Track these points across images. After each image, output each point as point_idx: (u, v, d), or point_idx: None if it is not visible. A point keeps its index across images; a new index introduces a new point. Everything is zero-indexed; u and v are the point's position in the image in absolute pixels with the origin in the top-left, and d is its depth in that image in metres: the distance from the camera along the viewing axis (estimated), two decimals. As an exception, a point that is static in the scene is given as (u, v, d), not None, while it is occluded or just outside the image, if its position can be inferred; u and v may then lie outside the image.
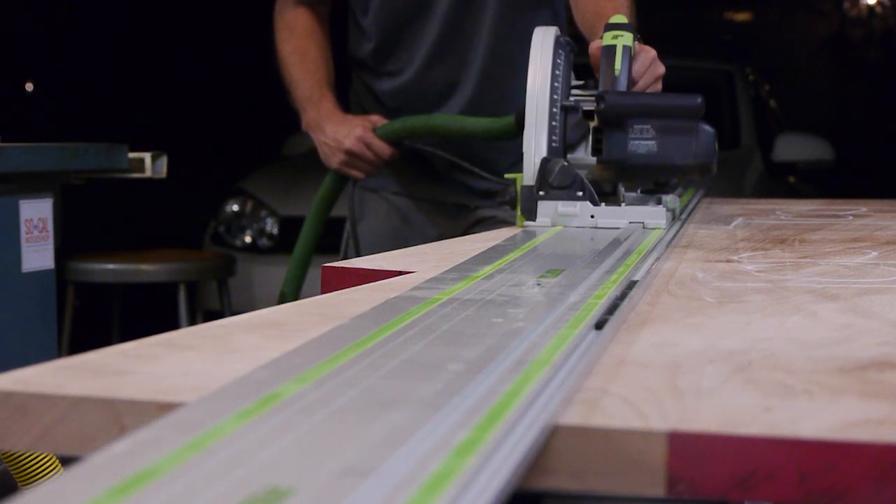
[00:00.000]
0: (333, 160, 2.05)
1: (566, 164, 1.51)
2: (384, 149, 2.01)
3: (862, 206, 2.13)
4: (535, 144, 1.54)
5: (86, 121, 6.03)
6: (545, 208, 1.50)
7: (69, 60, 6.29)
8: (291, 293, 2.14)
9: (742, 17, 10.47)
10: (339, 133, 2.03)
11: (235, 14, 6.47)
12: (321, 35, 2.15)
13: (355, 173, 2.06)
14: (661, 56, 1.66)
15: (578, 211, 1.48)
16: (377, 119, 2.05)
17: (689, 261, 1.22)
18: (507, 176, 1.62)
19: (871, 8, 10.05)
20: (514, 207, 1.58)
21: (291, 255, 2.15)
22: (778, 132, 5.49)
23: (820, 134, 5.51)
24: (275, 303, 0.91)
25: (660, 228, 1.45)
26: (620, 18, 1.61)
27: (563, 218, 1.49)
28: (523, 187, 1.52)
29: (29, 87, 6.62)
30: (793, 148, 5.21)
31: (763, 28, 10.20)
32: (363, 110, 2.17)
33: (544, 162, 1.51)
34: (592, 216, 1.48)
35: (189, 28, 6.95)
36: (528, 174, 1.52)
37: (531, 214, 1.50)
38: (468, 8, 1.99)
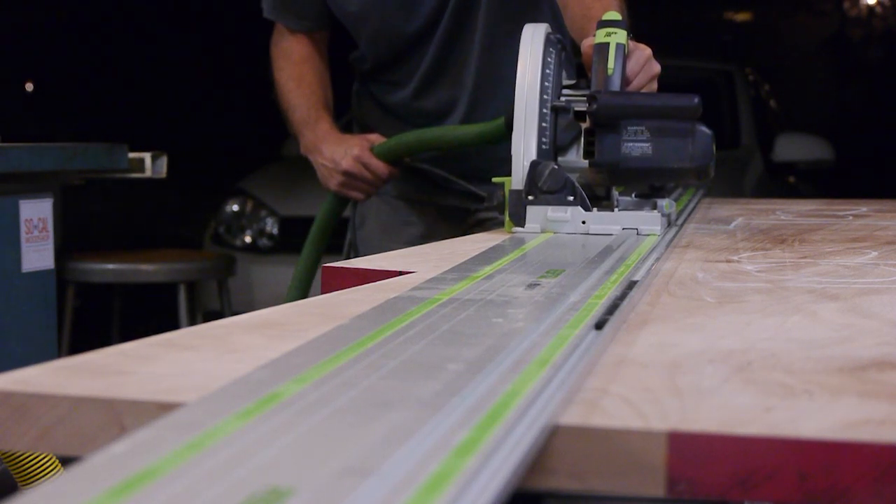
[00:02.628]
0: (332, 182, 2.04)
1: (556, 167, 1.43)
2: (382, 168, 2.00)
3: (862, 206, 2.13)
4: (524, 147, 1.46)
5: (86, 121, 6.03)
6: (534, 214, 1.42)
7: (69, 60, 6.29)
8: None
9: (742, 17, 10.46)
10: (335, 154, 2.01)
11: (235, 14, 6.47)
12: (318, 60, 2.14)
13: (355, 195, 2.05)
14: (660, 56, 1.60)
15: (569, 216, 1.41)
16: (375, 138, 2.03)
17: (689, 261, 1.22)
18: (494, 180, 1.56)
19: (871, 8, 10.04)
20: (501, 213, 1.51)
21: (291, 280, 2.11)
22: (778, 132, 5.49)
23: (820, 134, 5.51)
24: (275, 303, 0.91)
25: (654, 235, 1.38)
26: (614, 15, 1.54)
27: (552, 224, 1.42)
28: (511, 192, 1.45)
29: (29, 87, 6.61)
30: (793, 148, 5.22)
31: (763, 28, 10.20)
32: (364, 121, 2.16)
33: (533, 165, 1.44)
34: (584, 222, 1.41)
35: (189, 28, 6.95)
36: (517, 178, 1.45)
37: (520, 220, 1.43)
38: (459, 36, 1.99)
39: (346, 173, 2.00)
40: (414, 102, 2.06)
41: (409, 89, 2.06)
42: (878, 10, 10.05)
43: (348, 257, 2.18)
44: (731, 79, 5.35)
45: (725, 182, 4.32)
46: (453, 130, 1.94)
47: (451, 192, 2.12)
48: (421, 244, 2.04)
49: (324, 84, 2.14)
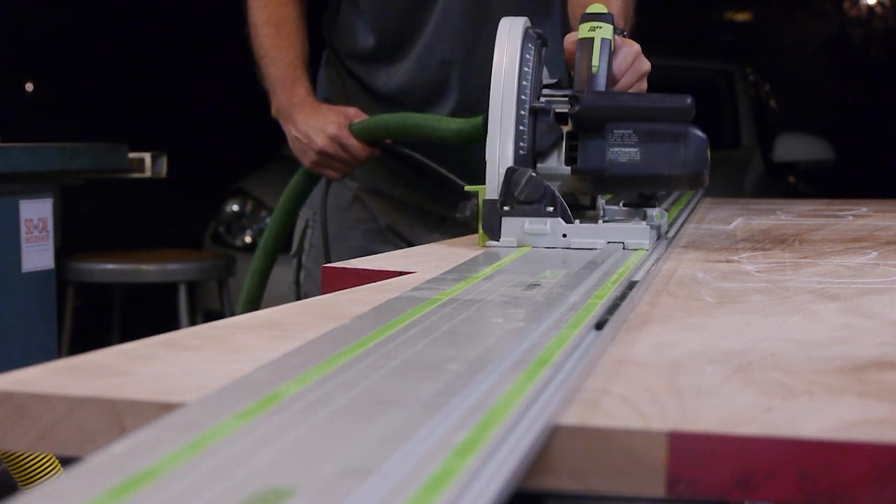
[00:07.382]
0: (305, 159, 1.92)
1: (535, 174, 1.30)
2: (360, 149, 1.87)
3: (862, 206, 2.14)
4: (500, 152, 1.33)
5: (86, 121, 6.03)
6: (510, 226, 1.29)
7: (69, 60, 6.29)
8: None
9: (742, 17, 10.47)
10: (311, 129, 1.89)
11: (235, 14, 6.47)
12: (299, 4, 1.99)
13: (330, 173, 1.93)
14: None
15: (549, 229, 1.27)
16: (354, 113, 1.89)
17: (689, 261, 1.22)
18: (467, 188, 1.39)
19: (871, 8, 10.05)
20: (474, 224, 1.36)
21: (250, 264, 2.02)
22: (778, 132, 5.50)
23: (820, 134, 5.52)
24: (275, 303, 0.90)
25: (642, 249, 1.25)
26: (599, 7, 1.40)
27: (530, 237, 1.28)
28: (485, 201, 1.31)
29: (29, 87, 6.62)
30: (793, 148, 5.22)
31: (763, 28, 10.20)
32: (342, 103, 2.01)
33: (510, 172, 1.30)
34: (565, 235, 1.27)
35: (189, 28, 6.95)
36: (492, 186, 1.31)
37: (494, 233, 1.29)
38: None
39: (322, 153, 1.88)
40: (408, 81, 1.93)
41: (405, 66, 1.92)
42: (878, 10, 10.05)
43: (301, 250, 2.08)
44: (731, 79, 5.36)
45: (725, 182, 4.32)
46: (436, 121, 1.80)
47: (438, 196, 1.98)
48: (376, 240, 1.99)
49: (303, 35, 1.97)
